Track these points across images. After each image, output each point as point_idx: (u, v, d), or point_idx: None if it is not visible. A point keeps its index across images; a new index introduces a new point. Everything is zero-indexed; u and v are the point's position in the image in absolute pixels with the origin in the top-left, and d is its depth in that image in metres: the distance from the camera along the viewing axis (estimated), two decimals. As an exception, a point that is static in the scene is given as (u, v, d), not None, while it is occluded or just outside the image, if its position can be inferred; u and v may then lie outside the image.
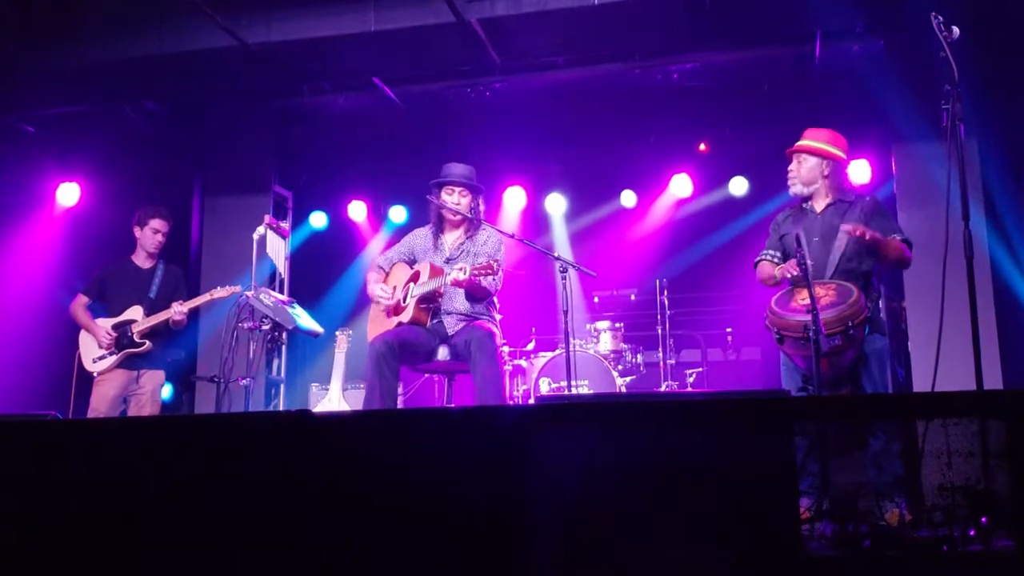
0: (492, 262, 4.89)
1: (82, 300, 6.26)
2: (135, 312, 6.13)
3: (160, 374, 6.27)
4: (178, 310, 6.04)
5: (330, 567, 2.65)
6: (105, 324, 6.11)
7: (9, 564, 2.79)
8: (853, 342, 4.37)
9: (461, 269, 4.91)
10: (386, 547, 2.63)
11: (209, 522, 2.74)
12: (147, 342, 6.09)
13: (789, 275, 4.56)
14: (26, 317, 7.87)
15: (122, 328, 6.08)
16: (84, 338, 6.17)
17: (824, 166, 4.87)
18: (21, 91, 7.21)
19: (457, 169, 5.41)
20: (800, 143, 4.94)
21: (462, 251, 5.33)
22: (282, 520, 2.69)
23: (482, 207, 5.49)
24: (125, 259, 6.37)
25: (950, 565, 2.66)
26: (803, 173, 4.90)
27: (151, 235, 6.28)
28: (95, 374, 6.08)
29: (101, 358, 6.07)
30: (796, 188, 4.93)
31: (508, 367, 7.33)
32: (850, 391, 4.54)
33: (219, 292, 6.04)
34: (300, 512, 2.69)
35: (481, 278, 4.97)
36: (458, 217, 5.35)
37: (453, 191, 5.37)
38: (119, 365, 6.08)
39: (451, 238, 5.41)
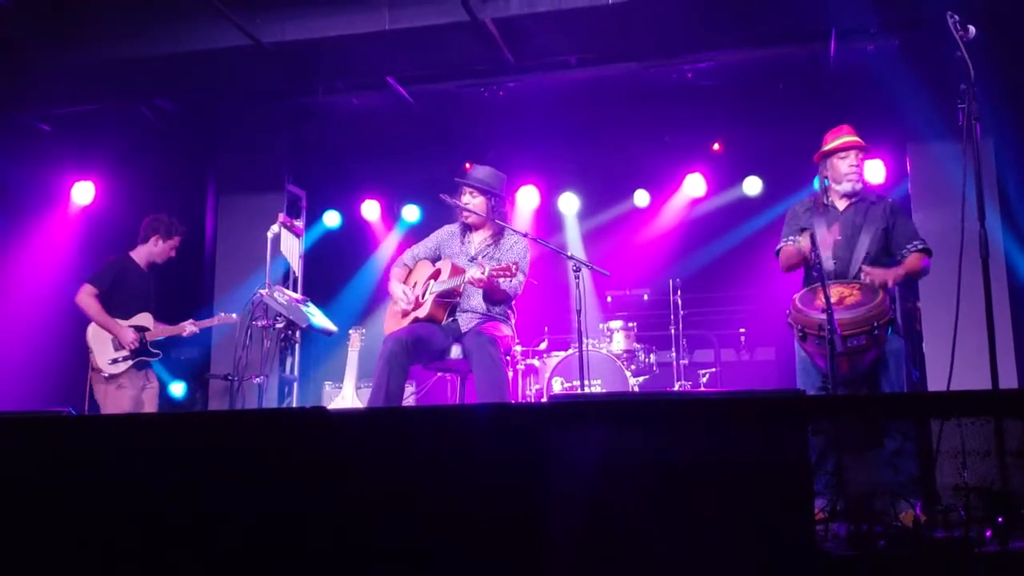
0: (510, 264, 4.89)
1: (92, 291, 6.11)
2: (146, 319, 6.14)
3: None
4: (191, 330, 6.18)
5: (343, 566, 2.65)
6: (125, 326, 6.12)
7: (23, 560, 2.81)
8: (876, 342, 4.35)
9: (480, 267, 4.92)
10: (399, 546, 2.64)
11: (222, 519, 2.75)
12: (159, 351, 6.18)
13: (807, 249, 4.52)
14: (41, 315, 7.89)
15: (138, 334, 6.11)
16: (96, 334, 6.11)
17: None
18: (37, 89, 7.25)
19: (475, 172, 5.44)
20: (857, 139, 4.89)
21: (487, 255, 5.31)
22: (295, 518, 2.70)
23: (506, 211, 5.49)
24: (126, 257, 6.30)
25: (966, 566, 2.64)
26: (863, 169, 4.89)
27: (169, 250, 6.31)
28: (106, 374, 6.07)
29: (117, 360, 6.06)
30: (857, 186, 4.89)
31: (521, 366, 7.33)
32: (867, 391, 4.52)
33: (225, 318, 6.36)
34: (314, 510, 2.70)
35: (501, 281, 4.98)
36: (471, 217, 5.36)
37: (467, 191, 5.40)
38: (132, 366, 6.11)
39: (477, 239, 5.41)
